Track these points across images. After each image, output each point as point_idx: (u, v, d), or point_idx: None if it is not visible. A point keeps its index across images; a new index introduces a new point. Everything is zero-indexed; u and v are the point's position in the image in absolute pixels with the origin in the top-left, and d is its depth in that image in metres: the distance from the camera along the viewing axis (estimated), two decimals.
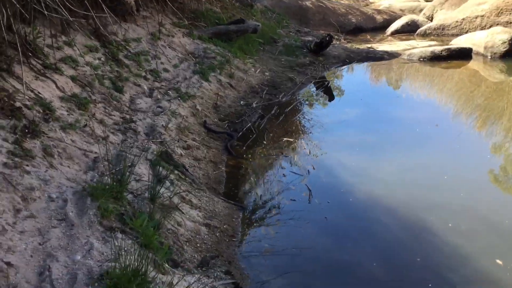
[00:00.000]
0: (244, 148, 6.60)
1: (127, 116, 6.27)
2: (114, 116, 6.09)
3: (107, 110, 6.10)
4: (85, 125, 5.23)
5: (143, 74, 7.82)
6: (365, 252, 4.22)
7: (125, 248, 3.21)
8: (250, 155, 6.41)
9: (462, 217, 4.77)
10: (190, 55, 9.56)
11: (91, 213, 3.45)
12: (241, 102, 8.42)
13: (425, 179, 5.58)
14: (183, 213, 4.30)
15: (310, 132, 7.07)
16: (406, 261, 4.06)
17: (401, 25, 15.87)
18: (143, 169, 4.70)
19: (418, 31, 15.22)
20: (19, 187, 3.41)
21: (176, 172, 5.03)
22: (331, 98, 9.35)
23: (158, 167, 4.87)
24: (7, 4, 5.30)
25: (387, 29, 16.11)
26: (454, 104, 9.13)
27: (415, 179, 5.58)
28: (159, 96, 7.36)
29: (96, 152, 4.87)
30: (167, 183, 4.55)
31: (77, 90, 6.04)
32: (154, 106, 6.87)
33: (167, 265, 3.40)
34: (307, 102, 8.85)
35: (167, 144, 5.69)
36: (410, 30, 15.67)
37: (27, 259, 2.91)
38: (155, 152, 5.22)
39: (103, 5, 6.59)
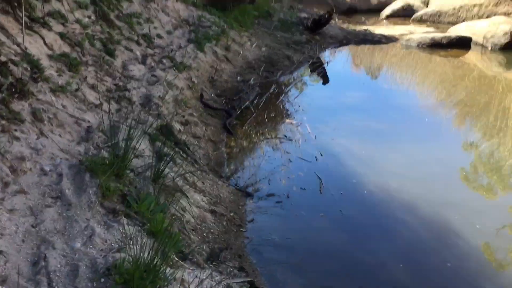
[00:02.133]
0: (244, 127, 6.13)
1: (120, 84, 5.71)
2: (106, 82, 5.53)
3: (98, 75, 5.53)
4: (77, 89, 4.67)
5: (135, 38, 7.23)
6: (388, 252, 3.82)
7: (132, 236, 2.74)
8: (250, 136, 5.96)
9: (489, 217, 4.40)
10: (184, 22, 8.97)
11: (90, 191, 2.95)
12: (238, 78, 7.92)
13: (441, 173, 5.21)
14: (187, 197, 3.83)
15: (313, 115, 6.63)
16: (435, 265, 3.67)
17: (397, 9, 15.53)
18: (141, 144, 4.18)
19: (414, 16, 14.90)
20: (7, 155, 2.87)
21: (177, 149, 4.53)
22: (328, 80, 8.89)
23: (158, 142, 4.38)
24: None
25: (382, 12, 15.75)
26: (458, 94, 8.75)
27: (430, 173, 5.20)
28: (153, 64, 6.80)
29: (89, 121, 4.34)
30: (169, 162, 4.06)
31: (66, 49, 5.44)
32: (148, 75, 6.32)
33: (176, 258, 2.95)
34: (306, 83, 8.39)
35: (165, 118, 5.17)
36: (405, 14, 15.35)
37: (18, 245, 2.41)
38: (154, 126, 4.70)
39: None
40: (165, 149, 4.23)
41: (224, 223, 3.90)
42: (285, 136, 5.90)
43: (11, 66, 4.01)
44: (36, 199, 2.75)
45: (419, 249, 3.91)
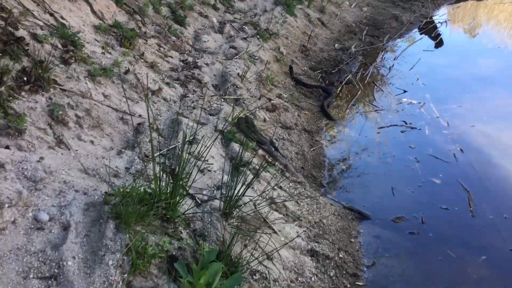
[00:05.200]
0: (347, 110, 4.70)
1: (190, 59, 4.49)
2: (172, 58, 4.32)
3: (162, 49, 4.33)
4: (127, 71, 3.48)
5: (212, 2, 5.97)
6: None
7: None
8: (357, 122, 4.53)
9: None
10: None
11: (110, 262, 1.72)
12: (336, 45, 6.44)
13: None
14: (277, 234, 2.52)
15: (438, 91, 5.04)
16: None
17: None
18: (210, 148, 2.92)
19: None
20: None
21: (259, 151, 3.23)
22: (443, 43, 7.09)
23: (234, 144, 3.10)
24: None
25: None
26: None
27: None
28: (232, 33, 5.51)
29: (140, 115, 3.15)
30: (247, 174, 2.76)
31: (122, 17, 4.30)
32: (225, 46, 5.05)
33: None
34: (421, 48, 6.69)
35: (245, 103, 3.87)
36: None
37: None
38: (229, 119, 3.42)
39: None
40: (242, 153, 2.93)
41: (332, 274, 2.56)
42: (405, 123, 4.39)
43: (30, 44, 2.87)
44: (10, 283, 1.57)
45: None
